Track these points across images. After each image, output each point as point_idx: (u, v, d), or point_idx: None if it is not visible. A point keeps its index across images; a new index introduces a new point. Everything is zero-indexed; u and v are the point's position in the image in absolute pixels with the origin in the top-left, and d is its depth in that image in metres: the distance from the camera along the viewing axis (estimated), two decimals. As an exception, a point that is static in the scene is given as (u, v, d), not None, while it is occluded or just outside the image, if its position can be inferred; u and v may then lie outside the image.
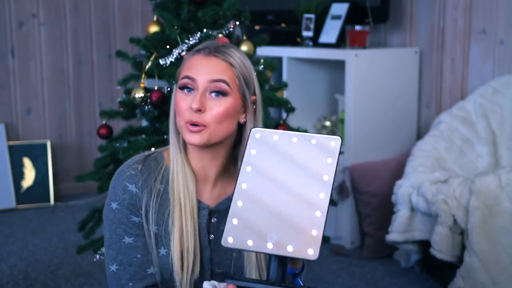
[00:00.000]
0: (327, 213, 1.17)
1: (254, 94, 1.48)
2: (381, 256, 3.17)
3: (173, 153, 1.48)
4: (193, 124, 1.40)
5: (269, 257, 1.16)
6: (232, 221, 1.17)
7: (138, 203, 1.44)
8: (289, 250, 1.16)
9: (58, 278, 2.99)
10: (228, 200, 1.49)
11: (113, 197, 1.45)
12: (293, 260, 1.35)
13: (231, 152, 1.50)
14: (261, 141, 1.21)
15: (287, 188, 1.19)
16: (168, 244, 1.44)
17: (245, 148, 1.18)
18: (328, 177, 1.18)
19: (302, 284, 1.37)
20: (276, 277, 1.18)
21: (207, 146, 1.44)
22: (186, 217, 1.43)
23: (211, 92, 1.41)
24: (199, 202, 1.48)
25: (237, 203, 1.18)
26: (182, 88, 1.43)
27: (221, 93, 1.41)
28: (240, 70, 1.44)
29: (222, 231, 1.45)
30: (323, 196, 1.18)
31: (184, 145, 1.49)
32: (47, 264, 3.16)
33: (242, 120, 1.47)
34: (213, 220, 1.49)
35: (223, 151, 1.48)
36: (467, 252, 2.43)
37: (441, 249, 2.54)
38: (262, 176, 1.20)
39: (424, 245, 2.74)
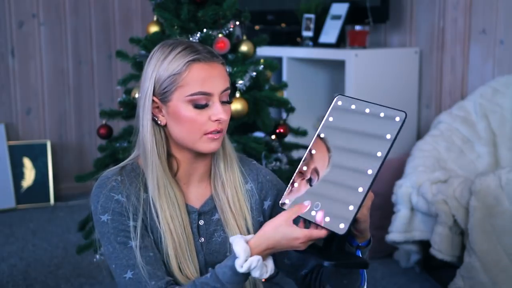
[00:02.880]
0: (369, 189, 1.20)
1: None
2: (381, 256, 3.17)
3: (152, 164, 1.42)
4: (215, 133, 1.41)
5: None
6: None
7: (126, 213, 1.40)
8: (326, 220, 1.21)
9: (58, 278, 2.99)
10: (211, 200, 1.48)
11: (101, 210, 1.41)
12: (360, 232, 1.40)
13: None
14: (340, 108, 1.27)
15: (344, 160, 1.23)
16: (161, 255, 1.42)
17: (326, 113, 1.24)
18: (381, 153, 1.21)
19: (361, 256, 1.40)
20: (335, 248, 1.25)
21: None
22: (176, 227, 1.42)
23: (222, 100, 1.42)
24: (187, 206, 1.46)
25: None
26: (197, 105, 1.39)
27: (228, 99, 1.44)
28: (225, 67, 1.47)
29: (212, 232, 1.47)
30: (370, 172, 1.20)
31: (167, 154, 1.46)
32: (47, 264, 3.16)
33: None
34: (200, 222, 1.47)
35: None
36: (467, 252, 2.43)
37: (441, 249, 2.54)
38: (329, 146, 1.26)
39: (424, 245, 2.74)
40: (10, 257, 3.25)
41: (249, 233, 1.47)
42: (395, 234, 2.77)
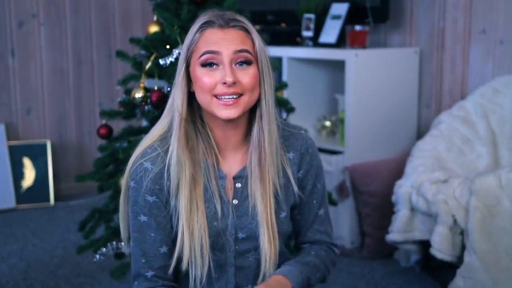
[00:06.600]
0: None
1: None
2: (381, 256, 3.17)
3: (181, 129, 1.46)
4: (227, 98, 1.40)
5: None
6: None
7: (156, 180, 1.46)
8: None
9: (58, 278, 2.99)
10: (244, 170, 1.51)
11: (130, 176, 1.49)
12: None
13: (248, 120, 1.52)
14: None
15: None
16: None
17: None
18: None
19: None
20: None
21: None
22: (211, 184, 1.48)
23: (237, 63, 1.42)
24: (218, 171, 1.51)
25: None
26: (205, 65, 1.42)
27: (246, 62, 1.42)
28: (257, 37, 1.46)
29: (246, 195, 1.51)
30: None
31: (200, 116, 1.49)
32: (47, 264, 3.16)
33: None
34: (237, 185, 1.51)
35: (243, 119, 1.49)
36: (467, 252, 2.44)
37: (441, 249, 2.54)
38: None
39: (424, 245, 2.74)
40: (10, 257, 3.25)
41: (277, 204, 1.52)
42: (395, 234, 2.77)
